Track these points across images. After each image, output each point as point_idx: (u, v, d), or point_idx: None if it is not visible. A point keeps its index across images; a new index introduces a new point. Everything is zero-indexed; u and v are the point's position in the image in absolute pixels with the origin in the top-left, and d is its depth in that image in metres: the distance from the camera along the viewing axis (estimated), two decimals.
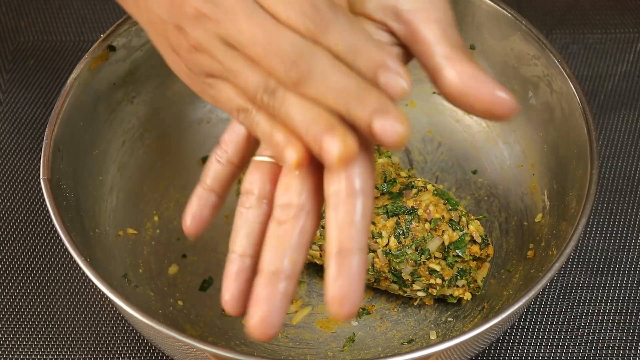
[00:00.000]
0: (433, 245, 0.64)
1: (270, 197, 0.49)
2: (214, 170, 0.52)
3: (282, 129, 0.47)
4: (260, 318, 0.46)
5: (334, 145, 0.44)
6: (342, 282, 0.45)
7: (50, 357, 0.67)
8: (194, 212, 0.52)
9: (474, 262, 0.65)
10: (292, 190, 0.48)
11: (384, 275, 0.65)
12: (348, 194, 0.46)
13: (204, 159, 0.74)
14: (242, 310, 0.49)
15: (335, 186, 0.47)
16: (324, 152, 0.44)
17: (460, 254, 0.64)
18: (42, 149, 0.62)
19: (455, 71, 0.48)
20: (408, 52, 0.51)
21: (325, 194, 0.47)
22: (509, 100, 0.47)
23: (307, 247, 0.48)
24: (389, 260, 0.64)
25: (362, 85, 0.45)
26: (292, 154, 0.46)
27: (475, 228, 0.65)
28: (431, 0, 0.50)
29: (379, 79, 0.46)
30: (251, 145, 0.52)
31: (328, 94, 0.45)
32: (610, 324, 0.69)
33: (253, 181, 0.50)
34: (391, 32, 0.51)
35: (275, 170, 0.50)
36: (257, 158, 0.50)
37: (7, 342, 0.68)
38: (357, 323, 0.68)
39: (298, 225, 0.47)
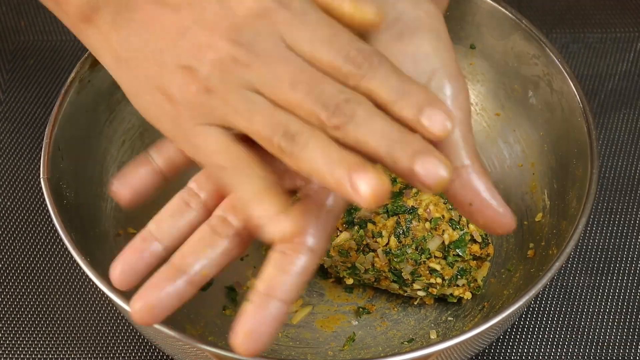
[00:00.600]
0: (433, 244, 0.64)
1: (213, 207, 0.49)
2: (169, 151, 0.51)
3: (266, 199, 0.46)
4: (144, 304, 0.46)
5: (366, 183, 0.43)
6: (255, 319, 0.45)
7: (50, 357, 0.67)
8: (134, 184, 0.51)
9: (474, 261, 0.65)
10: (239, 214, 0.48)
11: (384, 274, 0.65)
12: (295, 248, 0.46)
13: None
14: (129, 284, 0.49)
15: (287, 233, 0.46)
16: (356, 191, 0.43)
17: (460, 254, 0.64)
18: (42, 149, 0.62)
19: (470, 184, 0.48)
20: None
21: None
22: (511, 222, 0.48)
23: (222, 267, 0.48)
24: (389, 260, 0.64)
25: (403, 130, 0.45)
26: (278, 227, 0.45)
27: (475, 227, 0.65)
28: (456, 98, 0.48)
29: (423, 117, 0.45)
30: None
31: (370, 137, 0.44)
32: (610, 324, 0.69)
33: (203, 187, 0.49)
34: None
35: None
36: None
37: (7, 342, 0.68)
38: (357, 322, 0.68)
39: (227, 244, 0.47)
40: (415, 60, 0.48)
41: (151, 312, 0.47)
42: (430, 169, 0.43)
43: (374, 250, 0.64)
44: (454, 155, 0.48)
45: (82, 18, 0.50)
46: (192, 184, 0.50)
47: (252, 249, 0.71)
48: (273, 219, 0.45)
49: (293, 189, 0.50)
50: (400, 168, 0.44)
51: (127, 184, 0.51)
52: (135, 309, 0.47)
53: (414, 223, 0.64)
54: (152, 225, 0.49)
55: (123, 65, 0.50)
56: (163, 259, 0.49)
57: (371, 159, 0.45)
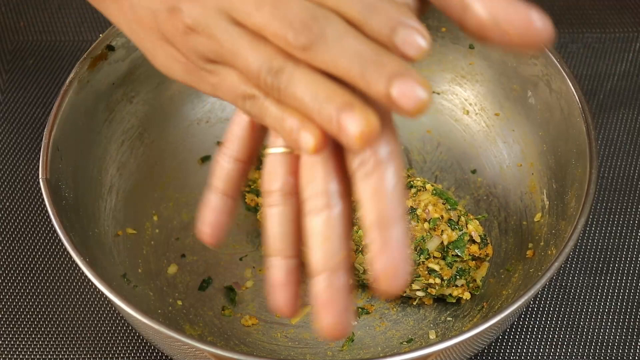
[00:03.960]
0: (432, 245, 0.64)
1: (294, 190, 0.46)
2: (222, 170, 0.49)
3: (294, 113, 0.44)
4: (333, 323, 0.44)
5: (354, 124, 0.41)
6: (387, 257, 0.43)
7: (50, 357, 0.67)
8: (212, 221, 0.49)
9: (473, 261, 0.65)
10: (318, 178, 0.45)
11: None
12: (376, 164, 0.43)
13: (204, 159, 0.74)
14: (297, 312, 0.47)
15: (359, 158, 0.43)
16: (343, 132, 0.41)
17: (459, 254, 0.64)
18: (41, 149, 0.62)
19: (486, 2, 0.44)
20: (423, 7, 0.48)
21: (351, 168, 0.44)
22: (545, 22, 0.44)
23: (350, 230, 0.45)
24: None
25: (378, 49, 0.42)
26: (308, 139, 0.43)
27: (474, 228, 0.65)
28: None
29: (395, 38, 0.42)
30: (257, 137, 0.49)
31: (342, 58, 0.42)
32: (609, 323, 0.69)
33: (272, 179, 0.47)
34: None
35: (293, 159, 0.46)
36: (270, 150, 0.47)
37: (7, 342, 0.68)
38: (356, 323, 0.68)
39: (335, 211, 0.44)
40: None
41: (343, 324, 0.45)
42: (407, 92, 0.41)
43: None
44: None
45: None
46: (262, 186, 0.47)
47: (251, 249, 0.71)
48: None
49: None
50: (375, 92, 0.41)
51: (207, 226, 0.50)
52: (329, 331, 0.44)
53: (413, 223, 0.64)
54: (276, 252, 0.47)
55: (134, 27, 0.49)
56: (300, 266, 0.47)
57: (345, 82, 0.43)
